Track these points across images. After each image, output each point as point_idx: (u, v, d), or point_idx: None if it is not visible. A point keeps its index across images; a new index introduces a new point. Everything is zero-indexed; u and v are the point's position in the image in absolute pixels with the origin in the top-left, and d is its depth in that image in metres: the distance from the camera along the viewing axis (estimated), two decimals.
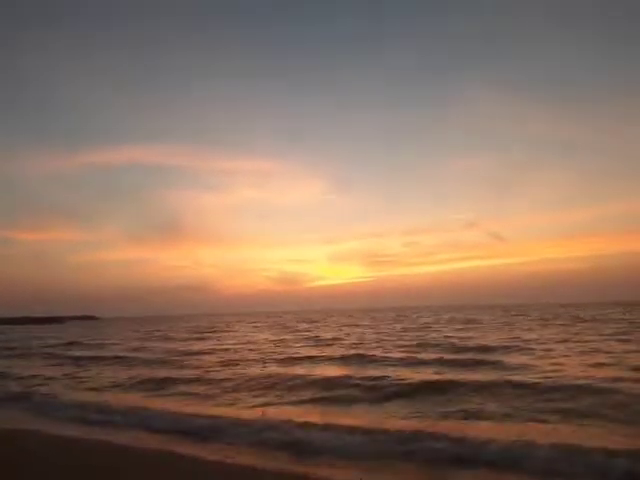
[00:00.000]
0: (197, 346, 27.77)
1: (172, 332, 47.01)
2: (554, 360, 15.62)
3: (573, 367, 13.95)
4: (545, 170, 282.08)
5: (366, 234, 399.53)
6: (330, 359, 18.43)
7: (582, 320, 41.17)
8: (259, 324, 60.10)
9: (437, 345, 22.32)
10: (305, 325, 52.21)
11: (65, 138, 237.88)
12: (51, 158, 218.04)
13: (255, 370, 16.07)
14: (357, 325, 48.03)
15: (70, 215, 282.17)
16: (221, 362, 18.68)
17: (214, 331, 45.82)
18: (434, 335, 29.41)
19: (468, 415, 8.85)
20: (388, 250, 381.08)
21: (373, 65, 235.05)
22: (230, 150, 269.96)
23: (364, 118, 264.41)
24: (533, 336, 25.65)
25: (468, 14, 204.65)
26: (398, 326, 42.07)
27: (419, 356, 18.01)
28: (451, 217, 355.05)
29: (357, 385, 12.24)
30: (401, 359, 17.25)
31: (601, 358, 15.73)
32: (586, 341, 21.87)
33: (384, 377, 12.83)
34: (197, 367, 17.70)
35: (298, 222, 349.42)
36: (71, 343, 35.17)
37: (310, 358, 18.88)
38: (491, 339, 24.64)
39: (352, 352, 19.95)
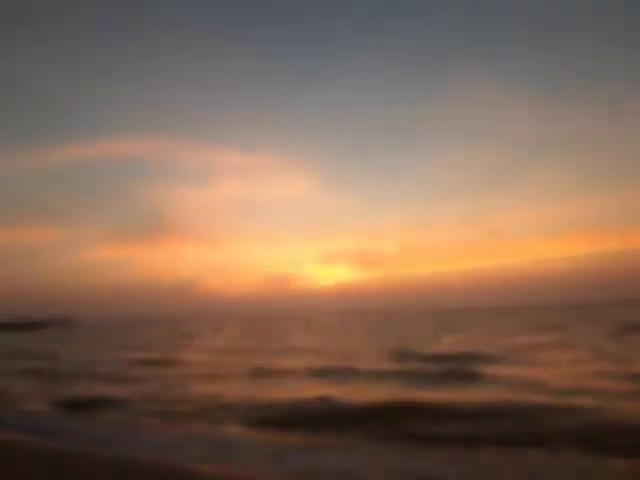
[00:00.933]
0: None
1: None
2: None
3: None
4: (541, 165, 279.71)
5: (357, 232, 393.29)
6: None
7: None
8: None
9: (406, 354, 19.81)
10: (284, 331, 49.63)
11: (40, 133, 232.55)
12: (26, 154, 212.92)
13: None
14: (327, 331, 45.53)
15: (47, 213, 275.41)
16: None
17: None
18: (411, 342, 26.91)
19: None
20: (380, 249, 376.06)
21: (367, 59, 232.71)
22: (214, 144, 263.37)
23: (355, 112, 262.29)
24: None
25: (467, 12, 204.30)
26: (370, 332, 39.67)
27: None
28: (445, 214, 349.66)
29: None
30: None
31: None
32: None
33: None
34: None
35: (286, 219, 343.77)
36: None
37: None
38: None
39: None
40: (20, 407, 11.60)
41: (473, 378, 12.58)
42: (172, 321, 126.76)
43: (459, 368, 14.43)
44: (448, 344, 24.40)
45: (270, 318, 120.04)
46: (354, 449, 7.03)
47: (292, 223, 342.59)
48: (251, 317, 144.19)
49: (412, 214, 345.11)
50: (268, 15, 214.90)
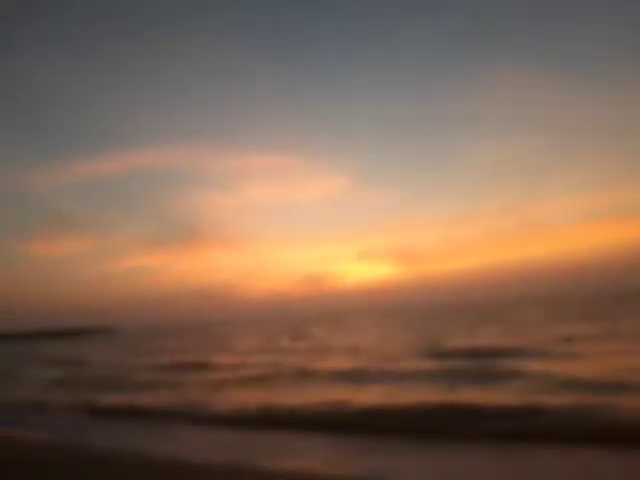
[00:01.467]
0: None
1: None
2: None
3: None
4: (582, 152, 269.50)
5: (395, 229, 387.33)
6: None
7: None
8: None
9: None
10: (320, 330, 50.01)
11: (69, 148, 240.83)
12: (58, 170, 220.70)
13: None
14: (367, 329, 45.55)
15: (82, 225, 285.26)
16: None
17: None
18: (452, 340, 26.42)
19: None
20: (419, 245, 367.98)
21: (395, 51, 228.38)
22: (242, 147, 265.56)
23: (387, 107, 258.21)
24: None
25: None
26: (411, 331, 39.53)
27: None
28: (484, 206, 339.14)
29: None
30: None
31: None
32: None
33: None
34: None
35: (321, 219, 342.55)
36: None
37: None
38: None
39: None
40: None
41: (510, 375, 12.47)
42: (208, 326, 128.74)
43: (496, 364, 14.34)
44: (488, 338, 24.09)
45: (307, 318, 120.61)
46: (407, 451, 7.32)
47: (324, 223, 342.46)
48: (288, 318, 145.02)
49: (449, 207, 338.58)
50: (285, 14, 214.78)
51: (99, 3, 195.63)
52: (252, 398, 12.07)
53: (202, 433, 9.63)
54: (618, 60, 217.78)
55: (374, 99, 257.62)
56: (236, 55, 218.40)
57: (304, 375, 15.90)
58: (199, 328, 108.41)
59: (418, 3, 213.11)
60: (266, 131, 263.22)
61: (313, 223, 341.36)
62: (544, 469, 6.13)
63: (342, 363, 18.40)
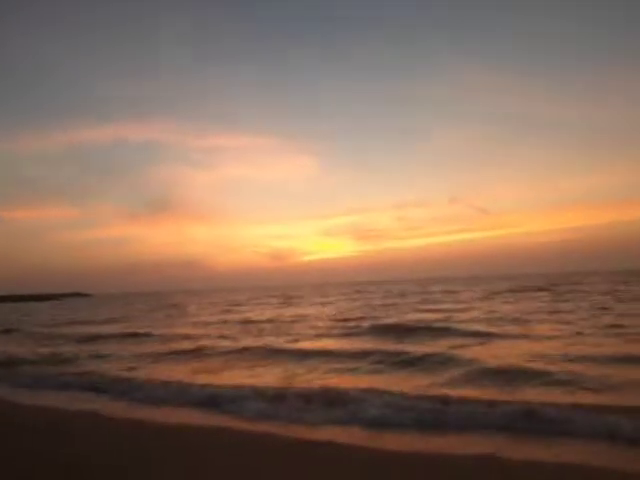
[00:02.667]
0: None
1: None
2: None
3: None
4: (529, 143, 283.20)
5: (355, 209, 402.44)
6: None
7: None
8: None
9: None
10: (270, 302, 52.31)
11: (51, 116, 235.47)
12: (38, 136, 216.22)
13: None
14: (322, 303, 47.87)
15: (60, 193, 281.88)
16: None
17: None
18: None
19: None
20: (377, 224, 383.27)
21: (359, 38, 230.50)
22: (218, 126, 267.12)
23: (351, 92, 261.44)
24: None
25: None
26: (359, 302, 41.93)
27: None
28: (438, 190, 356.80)
29: None
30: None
31: None
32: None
33: None
34: None
35: (287, 198, 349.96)
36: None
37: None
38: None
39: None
40: None
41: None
42: (177, 294, 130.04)
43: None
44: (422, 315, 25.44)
45: (269, 290, 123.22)
46: None
47: (292, 201, 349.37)
48: (252, 290, 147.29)
49: (407, 190, 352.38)
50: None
51: None
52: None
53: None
54: (563, 55, 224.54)
55: (342, 84, 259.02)
56: (218, 36, 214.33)
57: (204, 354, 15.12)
58: (168, 296, 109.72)
59: None
60: (241, 112, 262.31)
61: (281, 201, 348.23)
62: None
63: (249, 341, 17.42)
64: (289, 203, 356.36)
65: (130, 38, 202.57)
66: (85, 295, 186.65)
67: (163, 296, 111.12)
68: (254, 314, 32.35)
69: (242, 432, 6.90)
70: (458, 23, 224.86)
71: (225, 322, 26.59)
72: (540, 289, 45.95)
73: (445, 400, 7.59)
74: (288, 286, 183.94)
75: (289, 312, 32.72)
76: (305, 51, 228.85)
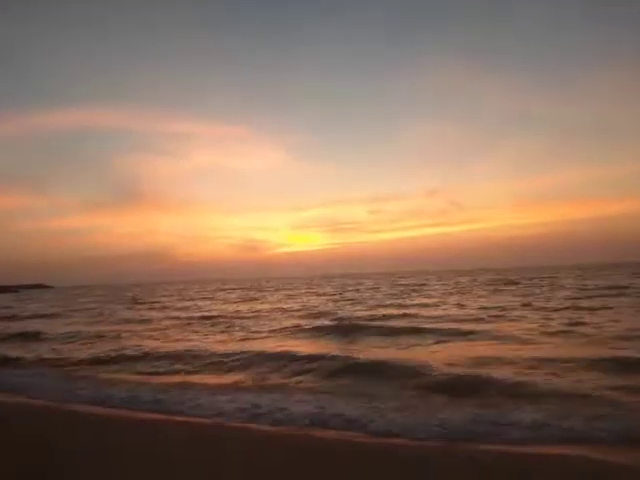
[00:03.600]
0: None
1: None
2: None
3: None
4: (504, 140, 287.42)
5: (329, 201, 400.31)
6: None
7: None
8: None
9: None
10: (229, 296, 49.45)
11: (13, 100, 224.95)
12: (1, 121, 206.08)
13: None
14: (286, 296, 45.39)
15: (19, 180, 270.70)
16: None
17: None
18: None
19: None
20: (352, 217, 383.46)
21: (339, 30, 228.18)
22: (186, 113, 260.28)
23: (329, 84, 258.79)
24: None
25: None
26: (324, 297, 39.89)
27: None
28: (414, 185, 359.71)
29: None
30: None
31: None
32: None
33: None
34: None
35: (259, 189, 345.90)
36: None
37: None
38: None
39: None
40: None
41: None
42: (138, 287, 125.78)
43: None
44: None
45: (235, 282, 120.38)
46: None
47: (263, 192, 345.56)
48: (221, 281, 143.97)
49: (380, 184, 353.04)
50: None
51: None
52: None
53: None
54: (541, 54, 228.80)
55: (317, 78, 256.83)
56: (188, 24, 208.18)
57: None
58: (132, 289, 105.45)
59: None
60: (211, 101, 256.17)
61: (253, 192, 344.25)
62: None
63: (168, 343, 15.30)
64: (261, 194, 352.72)
65: (95, 20, 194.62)
66: (47, 287, 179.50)
67: (126, 289, 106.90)
68: (207, 309, 30.23)
69: None
70: (439, 20, 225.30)
71: (170, 318, 24.00)
72: (512, 282, 45.99)
73: None
74: (259, 279, 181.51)
75: (245, 307, 30.65)
76: (281, 40, 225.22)
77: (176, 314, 26.30)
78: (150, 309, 32.36)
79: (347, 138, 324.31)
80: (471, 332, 13.54)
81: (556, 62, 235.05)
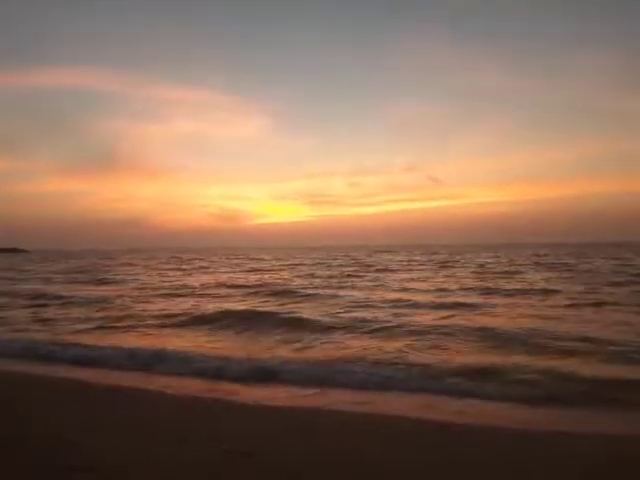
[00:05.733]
0: None
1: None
2: None
3: None
4: (483, 118, 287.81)
5: (310, 173, 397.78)
6: None
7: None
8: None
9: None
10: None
11: None
12: None
13: None
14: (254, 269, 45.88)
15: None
16: None
17: None
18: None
19: None
20: (331, 190, 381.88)
21: (326, 5, 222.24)
22: (170, 80, 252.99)
23: (312, 56, 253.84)
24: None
25: None
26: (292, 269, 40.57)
27: None
28: (394, 160, 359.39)
29: None
30: None
31: None
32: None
33: None
34: None
35: (240, 158, 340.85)
36: None
37: None
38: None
39: None
40: None
41: None
42: (115, 253, 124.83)
43: None
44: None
45: (212, 252, 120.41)
46: None
47: (244, 162, 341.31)
48: (196, 250, 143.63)
49: (360, 158, 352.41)
50: None
51: None
52: None
53: None
54: (522, 35, 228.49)
55: (303, 51, 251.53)
56: None
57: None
58: (108, 255, 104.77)
59: None
60: (196, 68, 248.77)
61: (234, 161, 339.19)
62: None
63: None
64: (242, 164, 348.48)
65: None
66: (21, 251, 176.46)
67: (102, 255, 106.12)
68: (155, 279, 29.64)
69: None
70: (425, 2, 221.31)
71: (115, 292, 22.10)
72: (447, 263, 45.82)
73: None
74: (237, 248, 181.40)
75: (192, 279, 29.84)
76: (268, 11, 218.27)
77: (140, 284, 26.60)
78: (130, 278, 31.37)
79: (330, 111, 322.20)
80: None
81: (537, 43, 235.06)
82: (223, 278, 30.16)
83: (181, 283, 26.53)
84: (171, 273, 36.75)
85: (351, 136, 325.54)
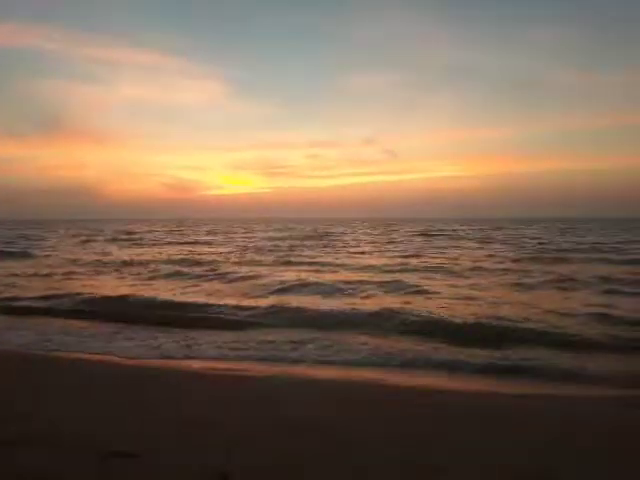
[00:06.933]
0: None
1: None
2: None
3: None
4: (442, 92, 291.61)
5: (266, 143, 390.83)
6: None
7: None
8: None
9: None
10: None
11: None
12: None
13: None
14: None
15: None
16: None
17: None
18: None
19: None
20: (288, 162, 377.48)
21: None
22: (119, 39, 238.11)
23: (268, 22, 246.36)
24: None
25: None
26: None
27: None
28: (351, 133, 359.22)
29: None
30: None
31: None
32: None
33: None
34: None
35: (193, 126, 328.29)
36: None
37: None
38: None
39: None
40: None
41: None
42: (55, 224, 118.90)
43: None
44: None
45: (164, 222, 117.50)
46: None
47: (198, 130, 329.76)
48: (149, 222, 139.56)
49: (319, 130, 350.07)
50: None
51: None
52: None
53: None
54: (483, 7, 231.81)
55: (261, 14, 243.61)
56: None
57: None
58: (46, 225, 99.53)
59: None
60: (146, 28, 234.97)
61: (186, 129, 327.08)
62: None
63: None
64: (195, 132, 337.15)
65: None
66: None
67: (39, 225, 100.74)
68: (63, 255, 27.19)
69: None
70: None
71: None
72: (421, 233, 48.55)
73: None
74: (189, 220, 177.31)
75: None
76: None
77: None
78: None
79: (287, 79, 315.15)
80: None
81: (499, 16, 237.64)
82: (122, 254, 27.74)
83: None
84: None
85: (308, 106, 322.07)
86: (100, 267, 20.81)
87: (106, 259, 23.88)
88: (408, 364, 7.17)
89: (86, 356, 7.67)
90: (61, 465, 3.29)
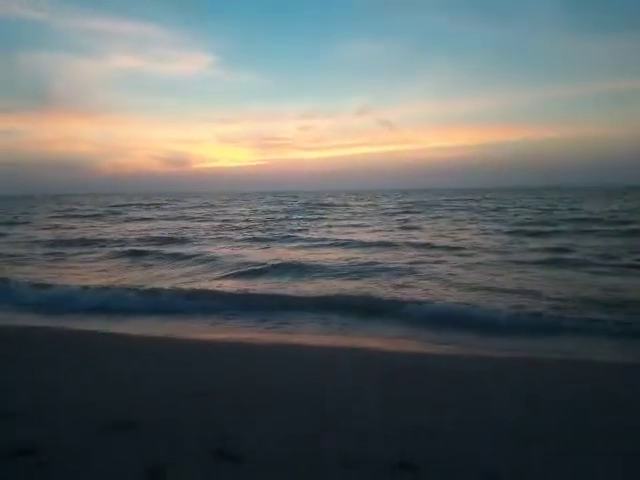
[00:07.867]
0: None
1: None
2: None
3: None
4: (439, 62, 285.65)
5: (259, 115, 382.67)
6: None
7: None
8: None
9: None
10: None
11: None
12: None
13: None
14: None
15: None
16: None
17: None
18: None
19: None
20: (282, 133, 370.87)
21: None
22: (108, 10, 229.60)
23: None
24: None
25: None
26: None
27: None
28: (345, 104, 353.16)
29: None
30: None
31: None
32: None
33: None
34: None
35: (184, 98, 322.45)
36: None
37: None
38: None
39: None
40: None
41: None
42: (44, 199, 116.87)
43: None
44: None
45: (157, 196, 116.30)
46: None
47: (190, 102, 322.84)
48: (141, 196, 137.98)
49: (311, 100, 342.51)
50: None
51: None
52: None
53: None
54: None
55: None
56: None
57: None
58: (36, 201, 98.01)
59: None
60: None
61: (177, 101, 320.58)
62: None
63: None
64: (186, 104, 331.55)
65: None
66: None
67: (31, 201, 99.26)
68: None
69: None
70: None
71: None
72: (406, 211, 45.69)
73: None
74: (180, 193, 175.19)
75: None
76: None
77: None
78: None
79: (280, 48, 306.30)
80: None
81: None
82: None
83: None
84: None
85: (302, 77, 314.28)
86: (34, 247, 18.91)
87: (60, 238, 21.64)
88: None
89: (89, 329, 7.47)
90: (60, 436, 3.30)
